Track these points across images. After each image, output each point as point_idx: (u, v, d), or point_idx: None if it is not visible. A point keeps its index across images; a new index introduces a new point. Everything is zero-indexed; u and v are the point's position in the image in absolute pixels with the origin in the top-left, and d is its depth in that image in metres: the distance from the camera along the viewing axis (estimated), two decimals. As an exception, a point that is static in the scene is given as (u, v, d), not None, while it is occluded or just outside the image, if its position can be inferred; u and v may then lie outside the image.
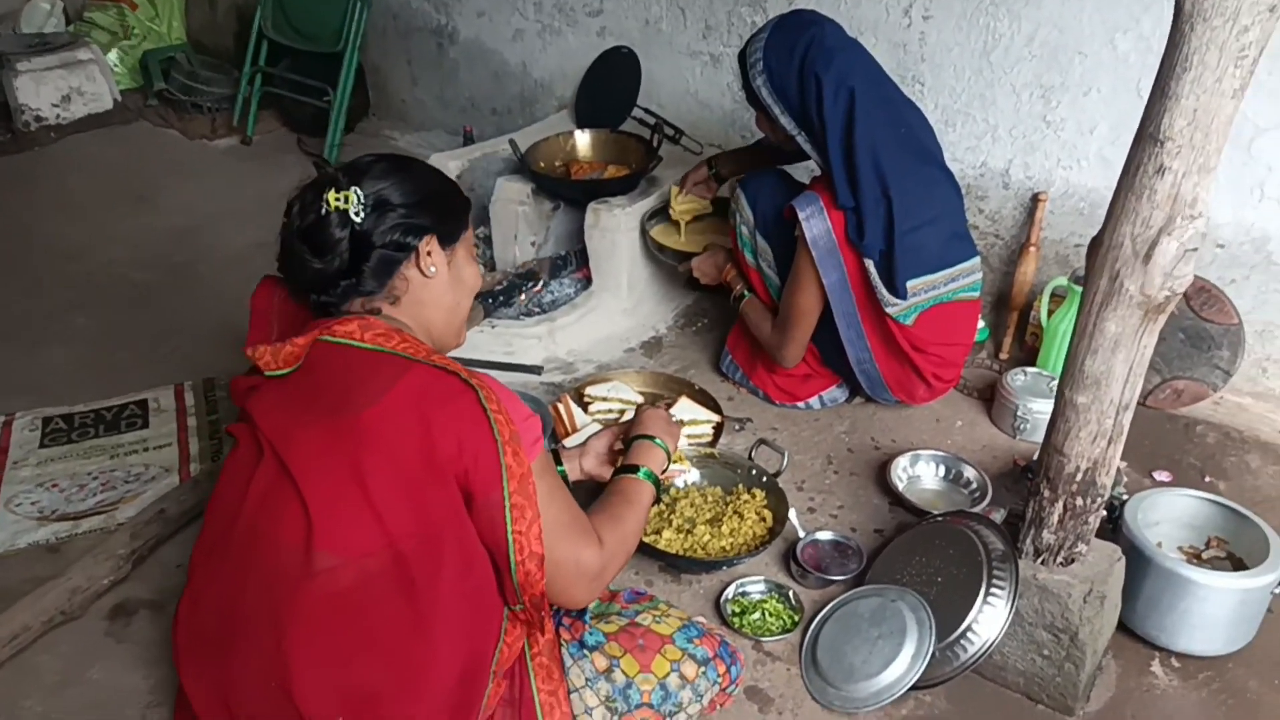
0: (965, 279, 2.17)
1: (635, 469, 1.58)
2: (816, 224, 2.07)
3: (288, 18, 3.92)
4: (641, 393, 2.37)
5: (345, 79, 3.75)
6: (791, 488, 2.10)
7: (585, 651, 1.41)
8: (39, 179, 3.74)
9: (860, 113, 2.01)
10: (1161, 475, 2.15)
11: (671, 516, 1.95)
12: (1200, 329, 2.30)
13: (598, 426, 2.06)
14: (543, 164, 2.87)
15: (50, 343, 2.69)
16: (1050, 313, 2.41)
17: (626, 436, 1.70)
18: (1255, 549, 1.73)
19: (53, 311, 2.84)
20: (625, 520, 1.45)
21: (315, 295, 1.34)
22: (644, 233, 2.66)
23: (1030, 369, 2.35)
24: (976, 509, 1.94)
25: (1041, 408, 2.20)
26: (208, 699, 1.28)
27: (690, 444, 2.14)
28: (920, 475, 2.16)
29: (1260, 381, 2.38)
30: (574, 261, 2.85)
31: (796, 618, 1.77)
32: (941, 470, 2.15)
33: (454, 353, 1.42)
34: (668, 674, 1.42)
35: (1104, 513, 1.57)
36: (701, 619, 1.60)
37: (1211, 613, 1.66)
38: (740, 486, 2.03)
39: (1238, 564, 1.77)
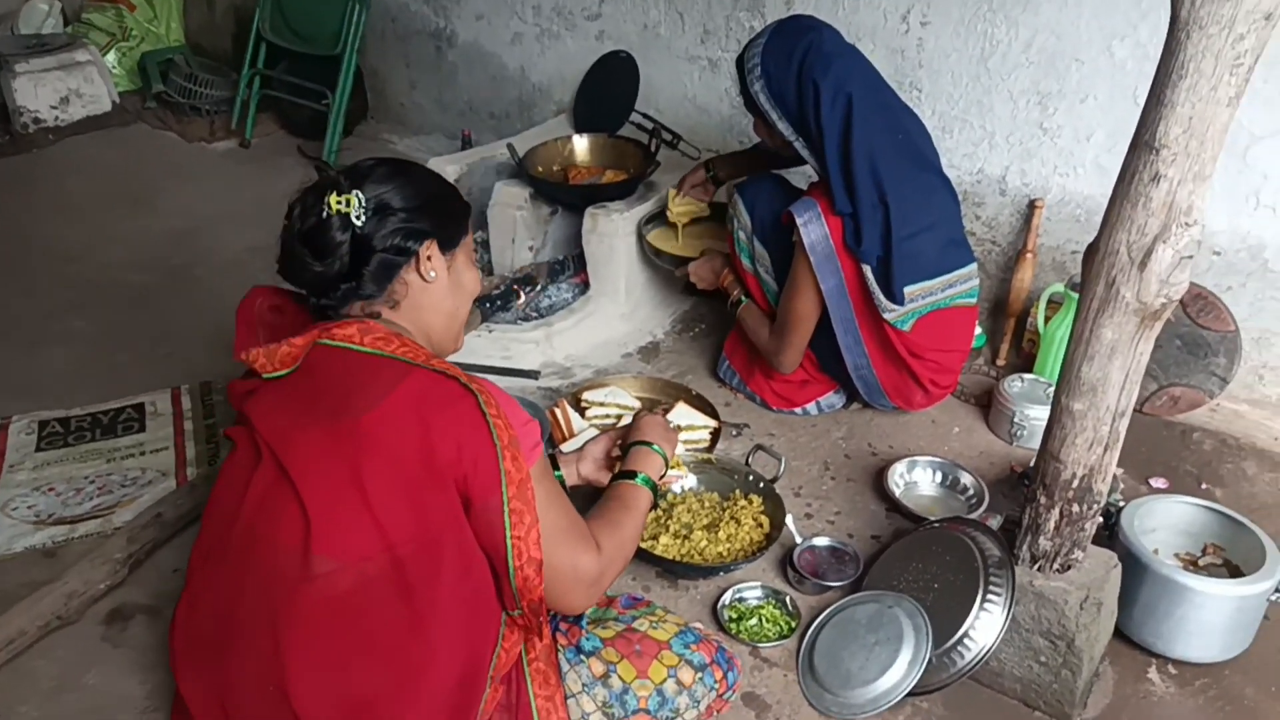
0: (962, 285, 2.18)
1: (633, 475, 1.58)
2: (814, 229, 2.08)
3: (286, 20, 3.92)
4: (639, 398, 2.37)
5: (344, 82, 3.75)
6: (789, 493, 2.10)
7: (582, 657, 1.41)
8: (37, 181, 3.73)
9: (858, 119, 2.01)
10: (1158, 482, 2.15)
11: (668, 522, 1.95)
12: (1197, 336, 2.30)
13: (595, 431, 2.06)
14: (541, 168, 2.87)
15: (48, 344, 2.69)
16: (1047, 319, 2.41)
17: (624, 442, 1.70)
18: (1251, 556, 1.74)
19: (50, 313, 2.84)
20: (623, 526, 1.45)
21: (315, 298, 1.34)
22: (640, 237, 2.66)
23: (1027, 375, 2.35)
24: (973, 515, 1.95)
25: (1038, 414, 2.20)
26: (205, 702, 1.27)
27: (687, 449, 2.14)
28: (917, 481, 2.16)
29: (1257, 388, 2.38)
30: (572, 266, 2.85)
31: (793, 623, 1.77)
32: (938, 476, 2.16)
33: (451, 357, 1.42)
34: (664, 680, 1.42)
35: (1100, 519, 1.57)
36: (698, 625, 1.60)
37: (1208, 620, 1.67)
38: (737, 492, 2.03)
39: (1234, 571, 1.78)
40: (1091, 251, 1.38)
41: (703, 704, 1.46)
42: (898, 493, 2.09)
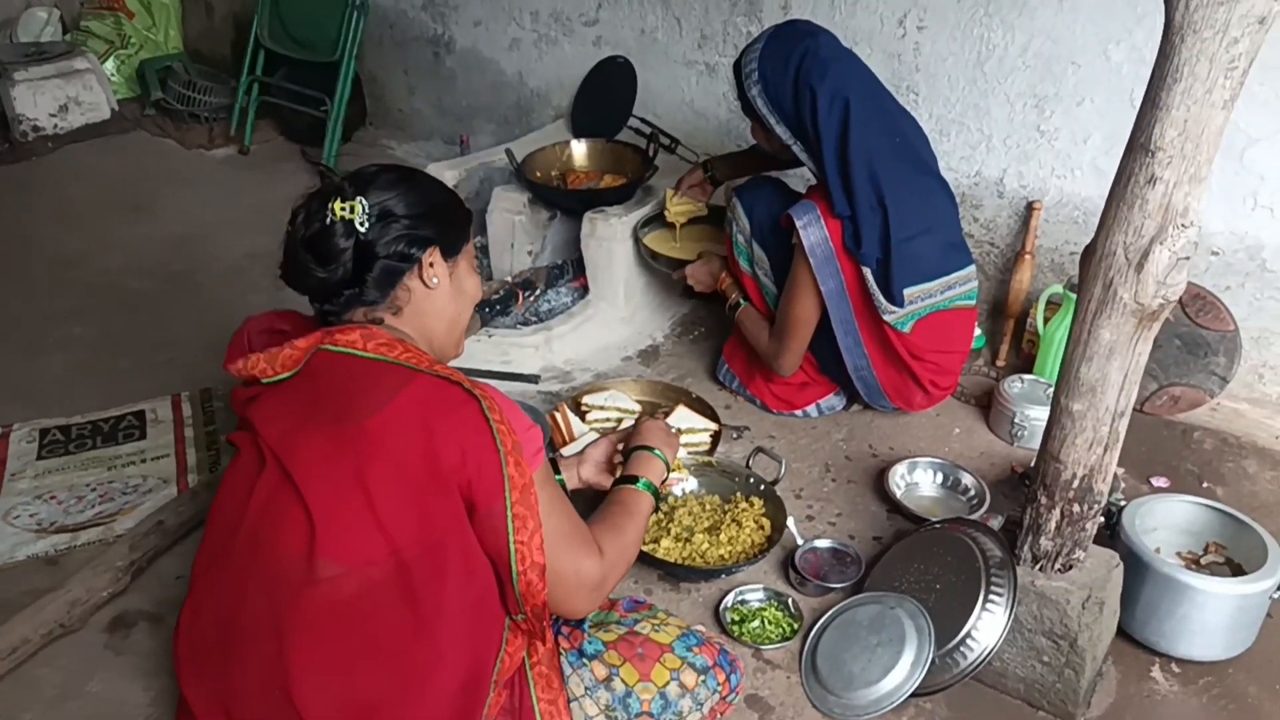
0: (961, 287, 2.18)
1: (635, 480, 1.58)
2: (814, 232, 2.08)
3: (285, 27, 3.93)
4: (639, 401, 2.37)
5: (342, 88, 3.75)
6: (790, 496, 2.10)
7: (584, 660, 1.41)
8: (37, 188, 3.74)
9: (855, 123, 2.02)
10: (1159, 481, 2.16)
11: (670, 525, 1.95)
12: (1196, 336, 2.31)
13: (595, 435, 2.06)
14: (539, 173, 2.88)
15: (48, 350, 2.69)
16: (1046, 320, 2.42)
17: (626, 447, 1.71)
18: (1253, 554, 1.74)
19: (50, 319, 2.84)
20: (625, 530, 1.46)
21: (317, 304, 1.34)
22: (637, 240, 2.66)
23: (1027, 376, 2.35)
24: (974, 516, 1.95)
25: (1038, 415, 2.21)
26: (209, 707, 1.28)
27: (688, 452, 2.14)
28: (918, 482, 2.16)
29: (1257, 387, 2.39)
30: (571, 270, 2.85)
31: (796, 625, 1.77)
32: (939, 477, 2.16)
33: (451, 362, 1.43)
34: (667, 683, 1.42)
35: (1102, 519, 1.57)
36: (700, 627, 1.61)
37: (1210, 618, 1.67)
38: (738, 495, 2.04)
39: (1236, 569, 1.78)
40: (1089, 253, 1.38)
41: (706, 706, 1.46)
42: (899, 494, 2.09)
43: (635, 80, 3.19)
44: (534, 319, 2.73)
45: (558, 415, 2.18)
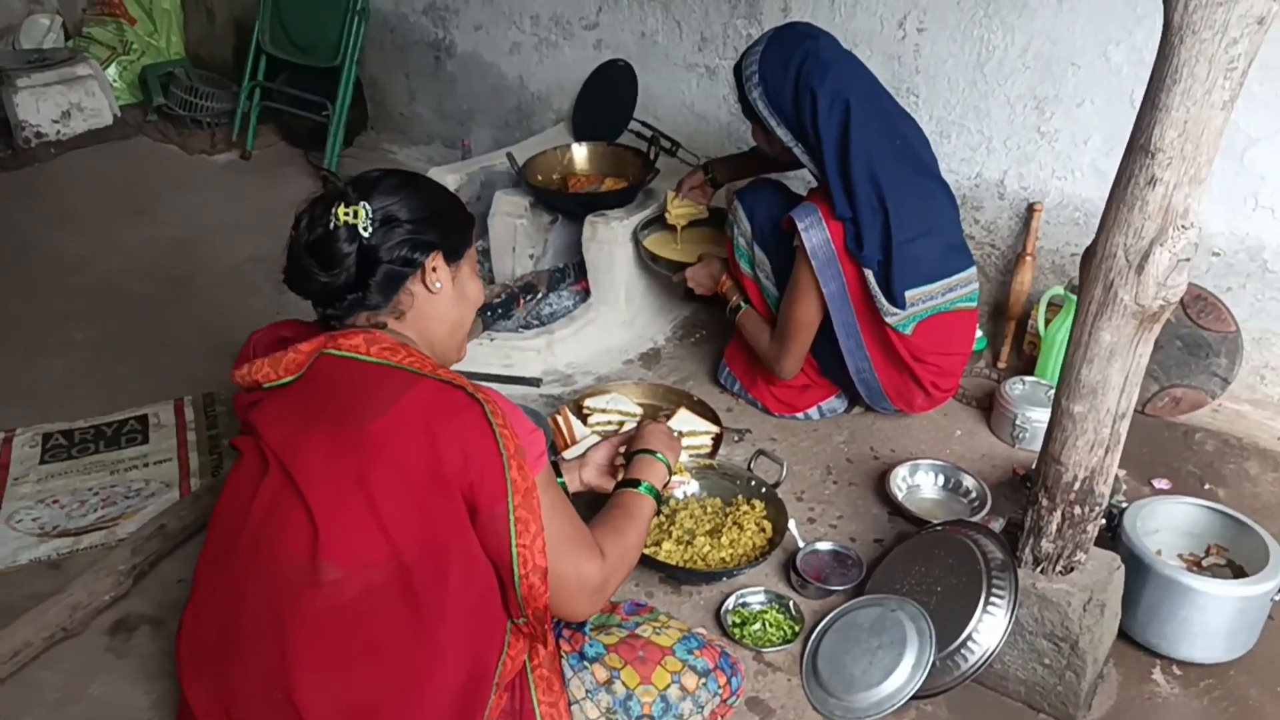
0: (962, 289, 2.18)
1: (636, 483, 1.58)
2: (815, 234, 2.08)
3: (286, 32, 3.94)
4: (640, 404, 2.37)
5: (343, 93, 3.76)
6: (791, 498, 2.10)
7: (585, 663, 1.41)
8: (39, 194, 3.75)
9: (856, 125, 2.02)
10: (1161, 483, 2.16)
11: (671, 528, 1.95)
12: (1198, 337, 2.31)
13: (596, 438, 2.07)
14: (540, 177, 2.88)
15: (50, 354, 2.70)
16: (1047, 322, 2.42)
17: (627, 450, 1.71)
18: (1255, 556, 1.74)
19: (53, 323, 2.85)
20: (627, 534, 1.46)
21: (320, 308, 1.35)
22: (637, 242, 2.66)
23: (1028, 378, 2.35)
24: (975, 518, 1.95)
25: (1039, 416, 2.21)
26: (210, 709, 1.28)
27: (689, 455, 2.14)
28: (919, 485, 2.16)
29: (1258, 389, 2.38)
30: (572, 274, 2.86)
31: (797, 628, 1.77)
32: (940, 479, 2.16)
33: (453, 365, 1.43)
34: (668, 685, 1.42)
35: (1103, 521, 1.57)
36: (702, 630, 1.60)
37: (1212, 620, 1.67)
38: (740, 497, 2.04)
39: (1238, 571, 1.78)
40: (1089, 255, 1.38)
41: (707, 709, 1.46)
42: (900, 496, 2.09)
43: (636, 83, 3.19)
44: (535, 322, 2.73)
45: (559, 418, 2.18)
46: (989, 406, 2.37)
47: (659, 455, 1.66)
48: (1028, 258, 2.52)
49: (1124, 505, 1.85)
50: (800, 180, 2.50)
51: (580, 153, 2.98)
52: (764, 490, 2.02)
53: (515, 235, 2.89)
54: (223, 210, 3.59)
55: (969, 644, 1.58)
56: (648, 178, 2.78)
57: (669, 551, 1.88)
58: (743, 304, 2.36)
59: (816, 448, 2.30)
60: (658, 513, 1.89)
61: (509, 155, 2.87)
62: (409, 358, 1.28)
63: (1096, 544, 1.60)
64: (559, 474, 1.73)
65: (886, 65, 2.61)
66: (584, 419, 2.27)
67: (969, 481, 2.12)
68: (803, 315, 2.18)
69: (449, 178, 2.97)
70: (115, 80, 4.35)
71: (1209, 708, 1.67)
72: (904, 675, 1.59)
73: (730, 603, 1.82)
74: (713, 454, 2.20)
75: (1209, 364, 2.31)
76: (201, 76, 4.22)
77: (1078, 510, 1.51)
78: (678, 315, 2.88)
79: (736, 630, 1.77)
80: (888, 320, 2.11)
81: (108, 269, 3.16)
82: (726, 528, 1.93)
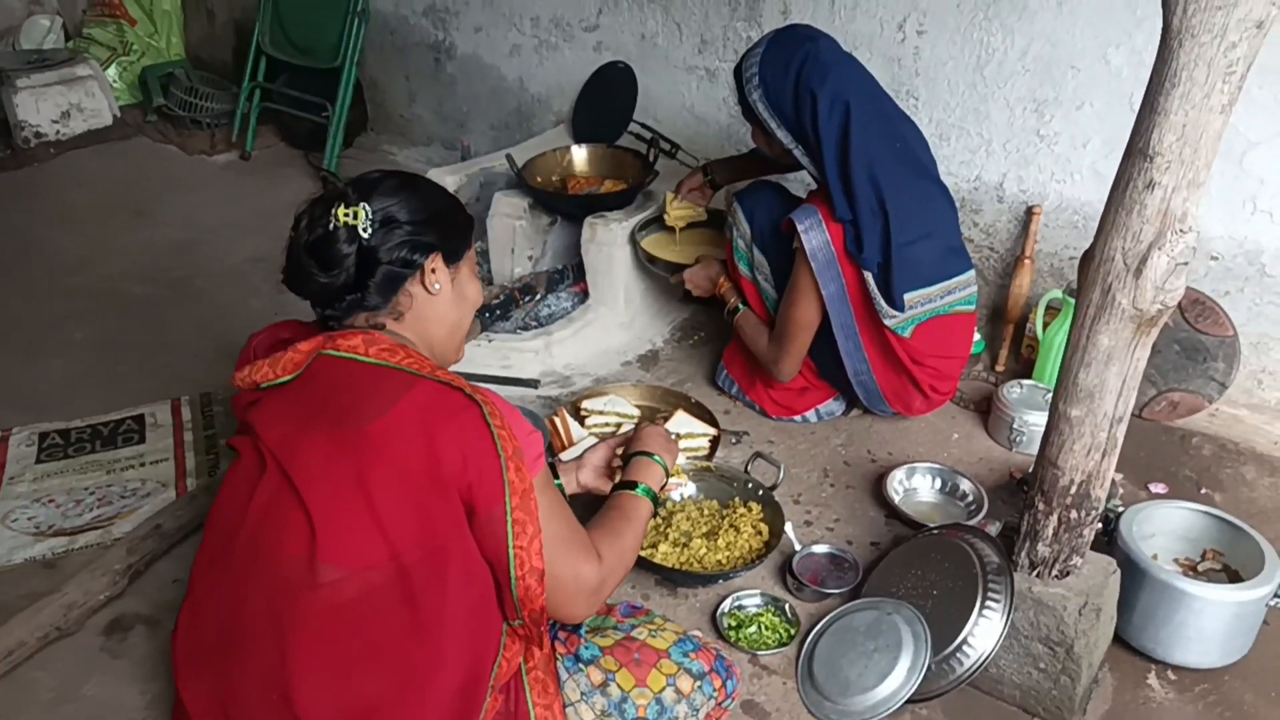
0: (961, 292, 2.18)
1: (633, 485, 1.58)
2: (815, 236, 2.08)
3: (286, 33, 3.94)
4: (638, 406, 2.37)
5: (343, 94, 3.77)
6: (788, 501, 2.10)
7: (581, 665, 1.41)
8: (39, 194, 3.75)
9: (855, 127, 2.02)
10: (1157, 487, 2.15)
11: (668, 530, 1.95)
12: (1195, 341, 2.31)
13: (594, 440, 2.06)
14: (540, 179, 2.88)
15: (48, 355, 2.70)
16: (1045, 325, 2.42)
17: (625, 452, 1.71)
18: (1251, 561, 1.73)
19: (51, 323, 2.85)
20: (624, 536, 1.46)
21: (319, 309, 1.35)
22: (635, 244, 2.66)
23: (1026, 381, 2.35)
24: (972, 522, 1.95)
25: (1037, 420, 2.21)
26: (207, 709, 1.28)
27: (686, 457, 2.14)
28: (916, 488, 2.16)
29: (1255, 393, 2.38)
30: (571, 275, 2.86)
31: (793, 631, 1.77)
32: (937, 483, 2.16)
33: (451, 367, 1.43)
34: (663, 688, 1.42)
35: (1099, 525, 1.57)
36: (697, 633, 1.60)
37: (1207, 625, 1.66)
38: (736, 500, 2.03)
39: (1233, 576, 1.78)
40: (1087, 258, 1.38)
41: (702, 712, 1.45)
42: (897, 499, 2.09)
43: (635, 85, 3.19)
44: (534, 324, 2.73)
45: (557, 420, 2.18)
46: (986, 410, 2.37)
47: (656, 457, 1.66)
48: (1026, 261, 2.52)
49: (1120, 509, 1.85)
50: (799, 182, 2.50)
51: (580, 154, 2.98)
52: (761, 493, 2.02)
53: (514, 237, 2.89)
54: (222, 211, 3.59)
55: (964, 648, 1.58)
56: (647, 180, 2.78)
57: (665, 554, 1.88)
58: (741, 306, 2.36)
59: (814, 450, 2.30)
60: (654, 515, 1.89)
61: (508, 157, 2.87)
62: (407, 359, 1.28)
63: (1092, 548, 1.59)
64: (556, 476, 1.73)
65: (886, 68, 2.62)
66: (582, 421, 2.26)
67: (966, 485, 2.11)
68: (802, 317, 2.18)
69: (448, 179, 2.98)
70: (115, 81, 4.36)
71: (1204, 713, 1.67)
72: (899, 679, 1.58)
73: (726, 605, 1.81)
74: (710, 456, 2.20)
75: (1206, 368, 2.31)
76: (201, 77, 4.23)
77: (1074, 514, 1.51)
78: (676, 317, 2.88)
79: (732, 633, 1.77)
80: (886, 323, 2.11)
81: (107, 269, 3.17)
82: (723, 530, 1.93)
